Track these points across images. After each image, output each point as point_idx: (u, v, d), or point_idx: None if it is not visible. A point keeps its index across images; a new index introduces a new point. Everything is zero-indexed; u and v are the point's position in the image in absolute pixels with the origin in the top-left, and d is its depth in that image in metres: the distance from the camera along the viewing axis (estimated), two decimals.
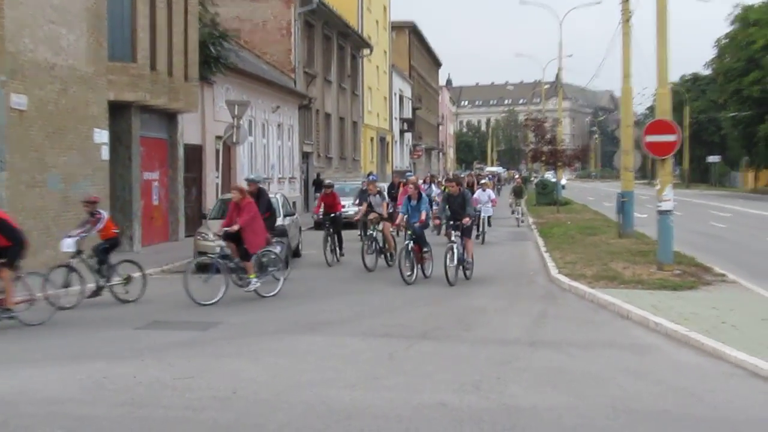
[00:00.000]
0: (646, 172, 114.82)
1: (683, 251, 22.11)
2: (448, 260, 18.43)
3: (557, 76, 70.36)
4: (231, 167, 34.52)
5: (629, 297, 15.69)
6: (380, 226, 22.21)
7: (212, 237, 21.46)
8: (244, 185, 18.27)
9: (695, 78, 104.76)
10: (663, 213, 19.02)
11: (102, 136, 23.78)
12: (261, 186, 19.58)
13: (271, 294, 16.99)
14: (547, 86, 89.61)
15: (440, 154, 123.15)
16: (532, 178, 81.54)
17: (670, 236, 19.11)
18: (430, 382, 9.97)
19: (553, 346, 12.13)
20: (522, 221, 36.91)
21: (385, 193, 25.76)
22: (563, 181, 61.01)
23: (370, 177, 24.39)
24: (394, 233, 23.71)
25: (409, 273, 18.77)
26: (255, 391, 9.62)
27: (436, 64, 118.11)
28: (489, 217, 29.90)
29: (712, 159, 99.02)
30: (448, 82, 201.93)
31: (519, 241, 29.45)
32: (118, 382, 10.03)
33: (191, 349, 11.99)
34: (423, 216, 19.61)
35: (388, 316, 14.79)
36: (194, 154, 31.39)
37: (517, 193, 38.69)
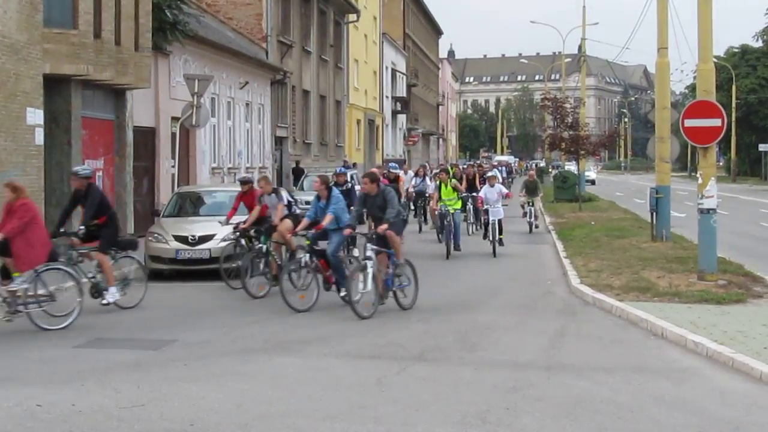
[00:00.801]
0: (686, 163, 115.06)
1: (729, 257, 22.13)
2: (354, 287, 16.33)
3: (580, 47, 70.40)
4: (190, 154, 34.45)
5: (664, 312, 15.70)
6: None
7: (168, 238, 21.48)
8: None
9: (744, 51, 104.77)
10: (705, 212, 19.03)
11: (36, 116, 23.67)
12: (91, 182, 17.88)
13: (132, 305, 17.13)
14: (568, 60, 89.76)
15: (440, 140, 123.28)
16: (550, 170, 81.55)
17: (714, 240, 19.11)
18: (426, 414, 9.97)
19: (574, 370, 12.14)
20: (536, 226, 34.89)
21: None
22: (592, 175, 62.01)
23: (340, 170, 23.77)
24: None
25: (298, 296, 17.05)
26: (216, 422, 9.61)
27: (436, 32, 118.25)
28: (500, 222, 27.06)
29: (765, 147, 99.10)
30: (450, 54, 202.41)
31: (533, 245, 29.48)
32: (53, 411, 10.00)
33: (141, 372, 11.96)
34: (326, 220, 17.47)
35: (377, 333, 14.79)
36: (146, 138, 31.31)
37: (530, 189, 35.87)
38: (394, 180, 36.32)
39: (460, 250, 26.51)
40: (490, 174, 30.28)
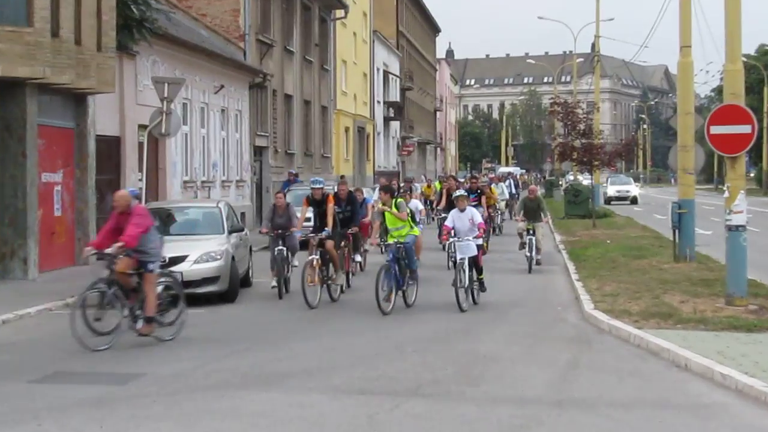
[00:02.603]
0: (712, 175, 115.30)
1: (761, 279, 22.17)
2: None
3: (593, 46, 70.67)
4: (159, 167, 34.42)
5: (688, 341, 15.70)
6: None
7: None
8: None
9: None
10: (733, 229, 19.05)
11: None
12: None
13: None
14: (580, 60, 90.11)
15: (438, 149, 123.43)
16: (560, 183, 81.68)
17: (743, 260, 19.13)
18: None
19: (587, 406, 12.14)
20: (538, 262, 28.66)
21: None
22: (633, 190, 67.16)
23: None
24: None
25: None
26: None
27: (433, 29, 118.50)
28: (476, 260, 21.38)
29: None
30: (449, 53, 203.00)
31: (542, 265, 29.48)
32: None
33: (104, 410, 11.93)
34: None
35: (368, 365, 14.77)
36: (110, 148, 31.29)
37: (531, 211, 29.28)
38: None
39: (408, 304, 21.19)
40: (458, 193, 22.93)
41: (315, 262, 21.42)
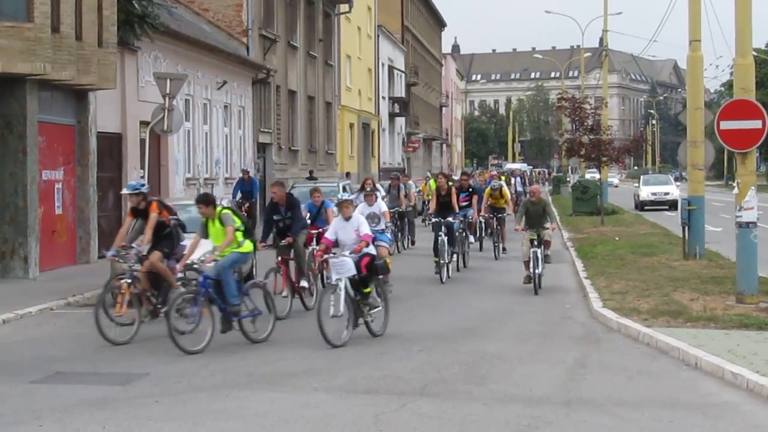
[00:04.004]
0: (722, 171, 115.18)
1: None
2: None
3: (602, 40, 70.54)
4: (161, 164, 34.45)
5: (698, 339, 15.70)
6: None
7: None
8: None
9: None
10: (744, 225, 19.05)
11: None
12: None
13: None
14: (587, 54, 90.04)
15: (444, 146, 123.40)
16: (568, 179, 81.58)
17: (754, 257, 19.12)
18: None
19: (596, 405, 12.15)
20: (539, 277, 23.15)
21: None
22: (674, 192, 55.79)
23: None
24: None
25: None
26: None
27: (439, 24, 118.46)
28: (360, 281, 17.20)
29: None
30: (455, 48, 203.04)
31: (548, 263, 29.43)
32: None
33: (106, 411, 11.96)
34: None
35: (374, 364, 14.80)
36: (111, 145, 31.33)
37: (535, 217, 23.94)
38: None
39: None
40: (342, 198, 18.85)
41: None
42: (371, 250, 17.59)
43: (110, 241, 22.63)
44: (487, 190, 31.95)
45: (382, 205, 22.22)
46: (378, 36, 77.09)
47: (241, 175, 38.96)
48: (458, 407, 12.04)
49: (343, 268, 16.74)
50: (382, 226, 21.32)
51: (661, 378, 13.80)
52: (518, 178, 57.01)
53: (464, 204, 28.27)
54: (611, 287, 21.90)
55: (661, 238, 34.94)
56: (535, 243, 23.12)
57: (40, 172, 26.30)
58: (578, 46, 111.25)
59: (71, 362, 15.28)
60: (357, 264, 16.97)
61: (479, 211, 29.76)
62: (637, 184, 66.58)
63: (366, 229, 17.61)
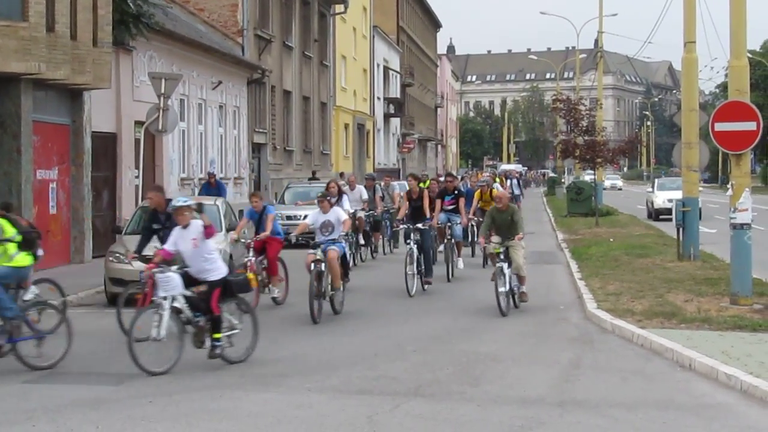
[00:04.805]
0: (716, 173, 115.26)
1: (766, 278, 22.15)
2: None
3: (597, 41, 70.54)
4: (156, 164, 34.41)
5: (692, 340, 15.70)
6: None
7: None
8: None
9: None
10: (738, 227, 19.04)
11: None
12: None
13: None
14: (583, 56, 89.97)
15: (439, 146, 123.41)
16: (563, 180, 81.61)
17: (748, 259, 19.12)
18: None
19: (590, 407, 12.15)
20: (522, 297, 20.62)
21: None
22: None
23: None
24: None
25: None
26: None
27: (434, 25, 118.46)
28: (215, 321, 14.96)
29: None
30: (450, 49, 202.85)
31: (544, 264, 29.44)
32: None
33: (100, 411, 11.95)
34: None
35: (368, 364, 14.79)
36: (106, 145, 31.29)
37: (503, 228, 20.62)
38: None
39: None
40: (178, 203, 15.44)
41: None
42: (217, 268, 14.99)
43: (106, 241, 22.64)
44: (477, 191, 29.59)
45: (340, 214, 20.20)
46: (373, 36, 77.09)
47: (207, 178, 35.63)
48: (452, 408, 12.04)
49: (170, 284, 14.59)
50: (335, 235, 19.75)
51: (655, 379, 13.80)
52: (514, 180, 56.58)
53: (450, 208, 26.38)
54: (606, 288, 21.89)
55: (656, 239, 34.95)
56: (502, 256, 19.93)
57: (34, 172, 26.27)
58: (573, 47, 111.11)
59: (64, 362, 15.20)
60: (217, 282, 14.86)
61: (469, 214, 27.64)
62: (650, 189, 56.66)
63: (211, 246, 15.20)
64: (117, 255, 21.81)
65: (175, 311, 14.41)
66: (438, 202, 25.82)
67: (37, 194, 26.45)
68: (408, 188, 25.73)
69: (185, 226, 14.99)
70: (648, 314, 18.17)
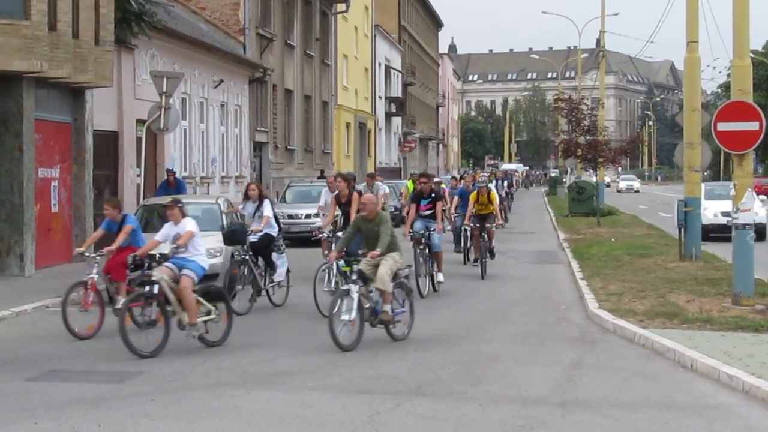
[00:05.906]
0: (719, 173, 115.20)
1: None
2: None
3: (599, 41, 70.59)
4: (157, 162, 34.41)
5: (694, 340, 15.72)
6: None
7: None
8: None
9: None
10: (741, 227, 19.05)
11: None
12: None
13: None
14: (584, 55, 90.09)
15: (440, 146, 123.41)
16: (564, 180, 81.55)
17: (751, 259, 19.12)
18: None
19: (591, 406, 12.15)
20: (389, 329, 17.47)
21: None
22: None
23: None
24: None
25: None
26: None
27: (436, 24, 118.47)
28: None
29: None
30: (452, 48, 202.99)
31: (545, 264, 29.47)
32: None
33: (101, 409, 11.96)
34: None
35: (369, 364, 14.78)
36: (108, 143, 31.29)
37: (369, 239, 17.09)
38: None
39: None
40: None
41: None
42: None
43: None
44: (473, 194, 27.30)
45: (187, 224, 16.54)
46: (375, 36, 77.08)
47: (165, 176, 31.66)
48: (453, 407, 12.04)
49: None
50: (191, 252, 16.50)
51: (656, 379, 13.80)
52: (500, 181, 51.76)
53: (426, 213, 23.47)
54: (607, 288, 21.90)
55: (657, 239, 34.97)
56: (349, 275, 16.61)
57: (36, 170, 26.26)
58: (575, 46, 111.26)
59: (66, 360, 15.25)
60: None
61: (462, 217, 26.85)
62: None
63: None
64: None
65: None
66: (412, 207, 23.48)
67: (38, 192, 26.44)
68: (344, 191, 22.43)
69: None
70: (650, 314, 18.18)
